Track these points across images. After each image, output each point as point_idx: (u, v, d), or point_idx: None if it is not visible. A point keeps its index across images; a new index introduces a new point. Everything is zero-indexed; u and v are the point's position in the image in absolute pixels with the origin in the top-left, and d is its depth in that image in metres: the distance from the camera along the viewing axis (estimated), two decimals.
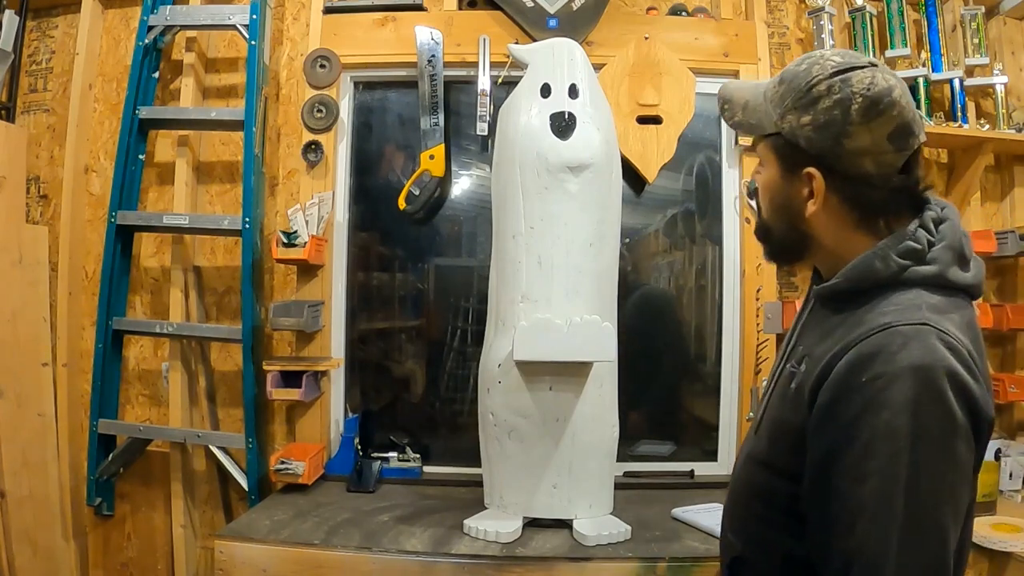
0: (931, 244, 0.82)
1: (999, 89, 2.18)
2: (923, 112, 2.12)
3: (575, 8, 2.06)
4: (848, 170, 0.84)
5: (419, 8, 2.14)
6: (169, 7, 2.13)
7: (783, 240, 0.93)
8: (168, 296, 2.17)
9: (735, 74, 2.13)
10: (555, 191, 1.58)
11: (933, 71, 2.17)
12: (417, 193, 2.07)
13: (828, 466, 0.75)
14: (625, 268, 2.07)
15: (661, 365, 2.16)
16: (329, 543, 1.51)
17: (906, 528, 0.70)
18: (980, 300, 0.90)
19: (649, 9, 2.21)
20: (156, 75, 2.21)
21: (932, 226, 0.83)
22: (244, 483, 2.05)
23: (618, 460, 1.69)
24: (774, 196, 0.92)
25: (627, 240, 2.07)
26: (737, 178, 2.12)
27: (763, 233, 0.97)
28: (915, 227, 0.83)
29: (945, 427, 0.71)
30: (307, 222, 1.99)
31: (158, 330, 2.12)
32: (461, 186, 2.19)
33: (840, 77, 0.83)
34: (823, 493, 0.76)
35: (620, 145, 1.81)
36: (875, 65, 0.85)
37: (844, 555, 0.72)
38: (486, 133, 2.03)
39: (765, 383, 1.09)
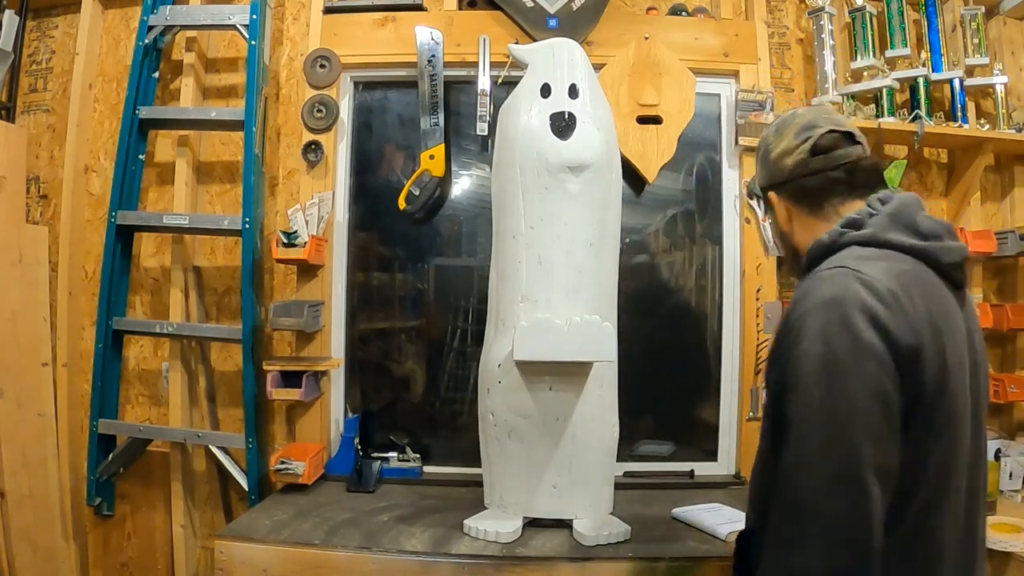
0: (871, 215, 0.95)
1: (999, 89, 2.18)
2: (923, 112, 2.12)
3: (575, 8, 2.06)
4: (780, 175, 1.04)
5: (419, 8, 2.14)
6: (169, 7, 2.13)
7: (787, 259, 1.14)
8: (168, 296, 2.17)
9: (735, 74, 2.13)
10: (555, 191, 1.58)
11: (933, 71, 2.17)
12: (417, 193, 2.07)
13: (775, 400, 0.89)
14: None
15: (662, 365, 2.16)
16: (329, 543, 1.51)
17: (821, 442, 0.79)
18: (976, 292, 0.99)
19: (649, 9, 2.21)
20: (156, 75, 2.21)
21: (878, 204, 0.96)
22: (244, 483, 2.05)
23: (618, 460, 1.69)
24: (777, 238, 1.15)
25: (627, 240, 2.07)
26: (737, 178, 2.12)
27: (785, 264, 1.17)
28: (861, 206, 0.98)
29: (853, 350, 0.80)
30: (307, 222, 1.99)
31: (158, 330, 2.12)
32: (461, 186, 2.19)
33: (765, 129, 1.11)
34: (775, 423, 0.87)
35: (620, 145, 1.81)
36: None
37: (781, 468, 0.83)
38: (486, 133, 2.03)
39: None
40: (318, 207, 2.03)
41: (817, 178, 1.01)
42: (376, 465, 1.96)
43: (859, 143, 1.01)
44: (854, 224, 0.95)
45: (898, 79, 2.12)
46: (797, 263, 1.05)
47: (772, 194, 1.07)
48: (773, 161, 1.05)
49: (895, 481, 0.80)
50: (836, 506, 0.76)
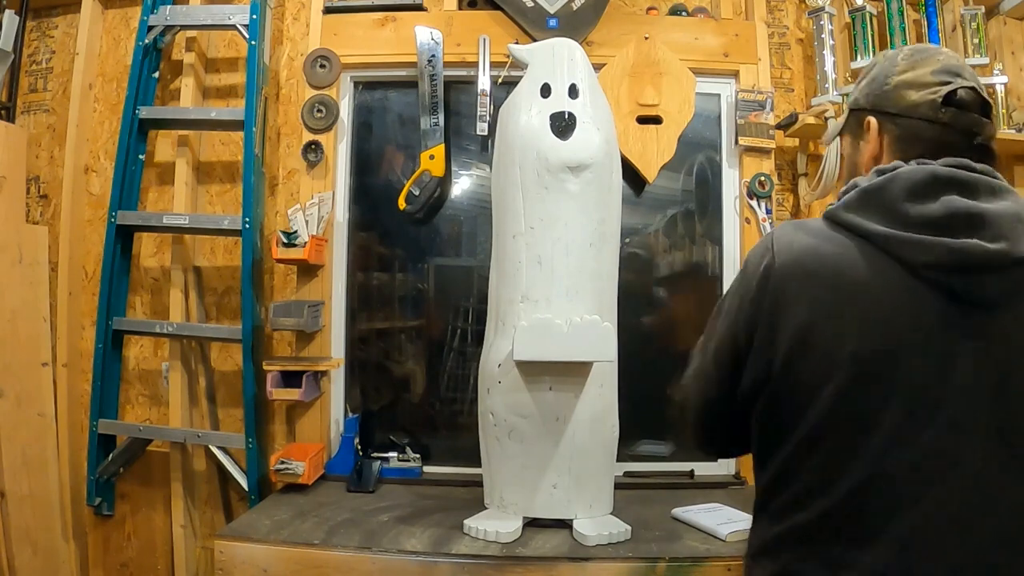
0: (856, 187, 0.86)
1: (999, 89, 2.18)
2: None
3: (575, 8, 2.06)
4: (897, 104, 0.89)
5: (419, 8, 2.14)
6: (169, 7, 2.13)
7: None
8: (168, 296, 2.17)
9: (735, 74, 2.13)
10: (555, 191, 1.58)
11: None
12: (417, 193, 2.07)
13: None
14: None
15: (662, 365, 2.15)
16: (329, 543, 1.51)
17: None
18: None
19: (649, 9, 2.21)
20: (156, 75, 2.21)
21: (872, 175, 0.86)
22: (244, 483, 2.05)
23: (618, 460, 1.69)
24: (846, 168, 1.00)
25: (627, 240, 2.07)
26: (737, 178, 2.12)
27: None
28: (874, 170, 0.87)
29: (733, 287, 0.93)
30: (307, 222, 1.99)
31: (158, 330, 2.12)
32: (461, 186, 2.19)
33: (896, 48, 0.96)
34: None
35: (620, 145, 1.81)
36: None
37: None
38: (486, 133, 2.03)
39: None
40: (318, 207, 2.03)
41: (934, 130, 0.86)
42: (376, 465, 1.96)
43: (991, 118, 0.88)
44: (840, 196, 0.88)
45: None
46: None
47: (872, 119, 0.91)
48: (894, 86, 0.89)
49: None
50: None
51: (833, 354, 0.79)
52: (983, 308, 0.77)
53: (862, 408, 0.78)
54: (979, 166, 0.84)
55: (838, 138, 1.02)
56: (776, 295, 0.84)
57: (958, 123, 0.85)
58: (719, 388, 0.93)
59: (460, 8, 2.16)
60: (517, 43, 1.91)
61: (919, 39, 2.23)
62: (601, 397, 1.61)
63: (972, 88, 0.86)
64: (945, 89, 0.85)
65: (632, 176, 2.04)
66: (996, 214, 0.79)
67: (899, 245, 0.78)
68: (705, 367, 0.94)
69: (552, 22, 2.05)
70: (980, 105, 0.86)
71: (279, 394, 1.92)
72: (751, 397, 0.88)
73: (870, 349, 0.78)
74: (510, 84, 1.80)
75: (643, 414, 2.11)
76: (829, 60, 2.12)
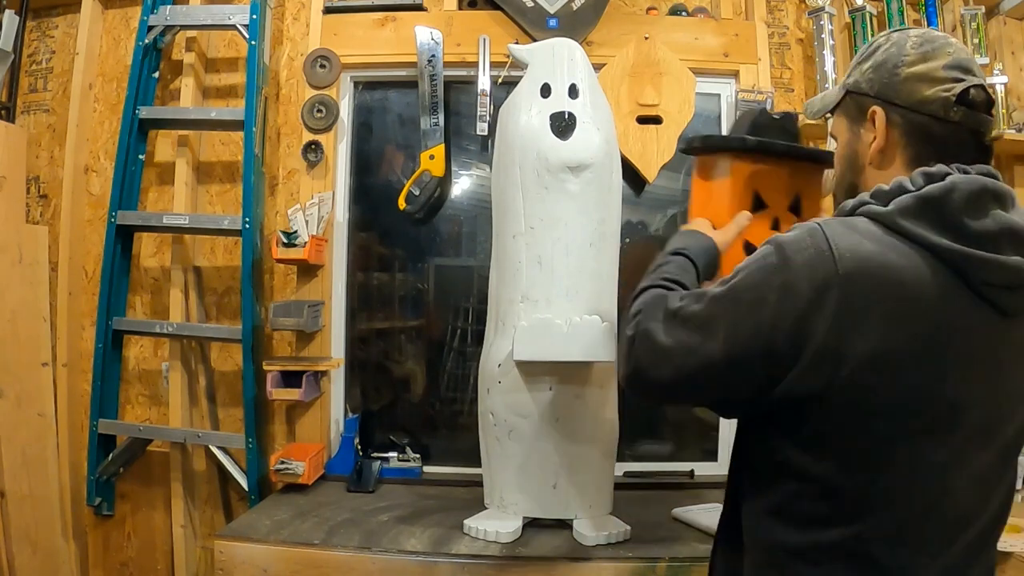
0: (903, 190, 0.79)
1: (999, 89, 2.17)
2: None
3: (575, 8, 2.06)
4: (907, 98, 0.84)
5: (419, 8, 2.14)
6: (169, 7, 2.13)
7: (840, 187, 0.94)
8: (168, 296, 2.17)
9: (735, 74, 2.13)
10: (555, 191, 1.58)
11: None
12: (417, 193, 2.07)
13: None
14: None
15: None
16: (329, 543, 1.51)
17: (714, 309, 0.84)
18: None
19: (649, 9, 2.21)
20: (156, 75, 2.21)
21: (920, 180, 0.80)
22: (244, 483, 2.05)
23: (618, 460, 1.69)
24: (844, 156, 0.94)
25: (627, 240, 2.07)
26: None
27: (836, 190, 0.97)
28: (918, 172, 0.81)
29: (765, 280, 0.79)
30: (307, 222, 1.99)
31: (158, 330, 2.12)
32: (461, 186, 2.19)
33: (900, 30, 0.90)
34: None
35: (620, 145, 1.81)
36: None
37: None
38: (486, 133, 2.03)
39: None
40: (318, 207, 2.03)
41: (944, 128, 0.83)
42: (376, 465, 1.96)
43: (993, 117, 0.86)
44: (881, 196, 0.81)
45: None
46: (848, 195, 0.89)
47: (879, 109, 0.86)
48: (904, 77, 0.85)
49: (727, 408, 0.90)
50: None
51: (917, 386, 0.75)
52: (1016, 318, 0.79)
53: (939, 442, 0.77)
54: (998, 173, 0.84)
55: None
56: (841, 311, 0.74)
57: (968, 123, 0.83)
58: (722, 380, 0.82)
59: (460, 8, 2.16)
60: (517, 43, 1.91)
61: None
62: (601, 397, 1.61)
63: (982, 86, 0.84)
64: (959, 87, 0.82)
65: (632, 176, 2.04)
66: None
67: (965, 261, 0.75)
68: (711, 354, 0.80)
69: (552, 22, 2.05)
70: (988, 104, 0.84)
71: (279, 394, 1.92)
72: (778, 402, 0.80)
73: (954, 381, 0.76)
74: (510, 84, 1.80)
75: (643, 414, 2.12)
76: (829, 60, 2.12)
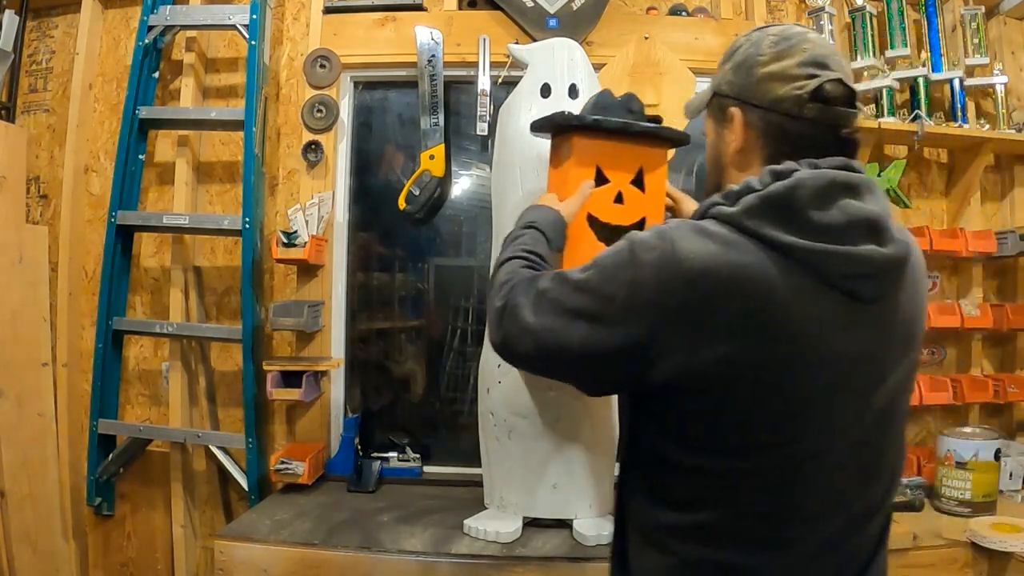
0: (750, 190, 0.80)
1: (999, 89, 2.18)
2: (923, 112, 2.12)
3: (575, 8, 2.06)
4: (760, 97, 0.85)
5: (419, 8, 2.14)
6: (169, 7, 2.13)
7: (708, 186, 0.96)
8: (168, 296, 2.17)
9: None
10: None
11: (933, 71, 2.17)
12: (417, 193, 2.07)
13: None
14: None
15: None
16: (329, 543, 1.51)
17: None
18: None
19: (649, 9, 2.21)
20: (156, 75, 2.21)
21: (768, 178, 0.80)
22: (244, 483, 2.05)
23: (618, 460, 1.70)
24: (710, 157, 0.95)
25: None
26: None
27: (706, 189, 0.98)
28: (766, 171, 0.81)
29: (616, 276, 0.82)
30: (307, 222, 1.99)
31: (158, 330, 2.12)
32: (461, 186, 2.19)
33: (761, 28, 0.91)
34: None
35: None
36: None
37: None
38: (486, 133, 2.03)
39: None
40: (318, 207, 2.03)
41: (799, 125, 0.84)
42: (376, 465, 1.96)
43: (858, 109, 0.87)
44: (730, 196, 0.82)
45: (898, 79, 2.12)
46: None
47: (736, 111, 0.88)
48: (759, 78, 0.86)
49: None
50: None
51: (771, 381, 0.77)
52: (874, 304, 0.80)
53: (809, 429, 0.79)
54: (856, 164, 0.84)
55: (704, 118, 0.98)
56: (687, 312, 0.76)
57: (824, 118, 0.83)
58: (577, 366, 0.87)
59: (460, 8, 2.16)
60: (517, 43, 1.91)
61: (919, 39, 2.23)
62: (601, 397, 1.61)
63: (838, 80, 0.83)
64: (812, 84, 0.82)
65: None
66: (883, 216, 0.81)
67: (812, 256, 0.76)
68: (567, 342, 0.84)
69: (552, 22, 2.05)
70: (847, 97, 0.84)
71: (279, 394, 1.92)
72: (644, 393, 0.85)
73: (811, 372, 0.78)
74: (510, 84, 1.80)
75: None
76: None
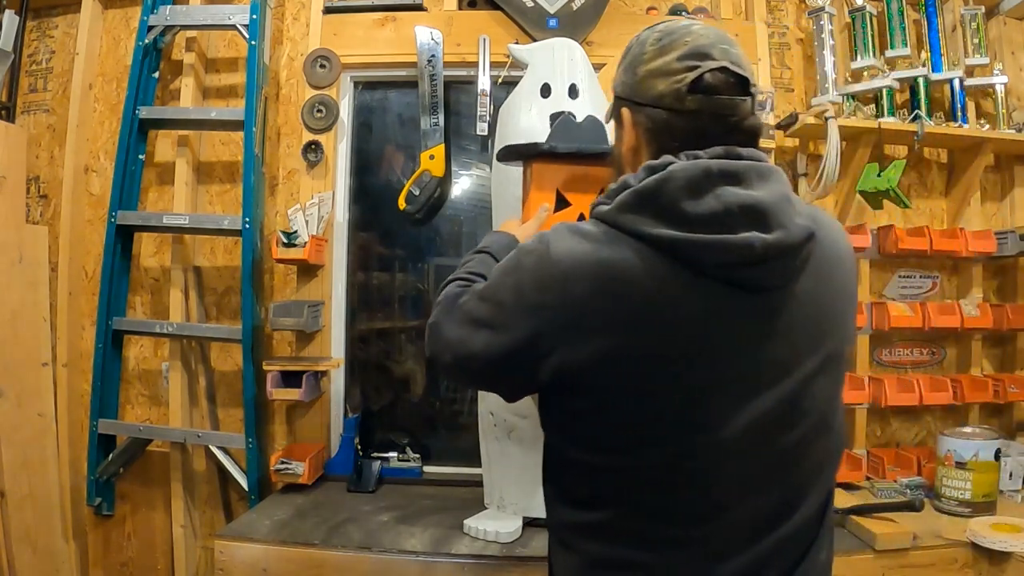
0: (627, 187, 0.80)
1: (999, 89, 2.18)
2: (923, 112, 2.12)
3: (575, 8, 2.06)
4: (645, 95, 0.85)
5: (419, 8, 2.14)
6: (169, 7, 2.13)
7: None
8: (168, 296, 2.17)
9: None
10: None
11: (933, 71, 2.17)
12: (417, 193, 2.07)
13: None
14: None
15: None
16: (329, 543, 1.51)
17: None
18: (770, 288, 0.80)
19: (649, 9, 2.21)
20: (156, 75, 2.21)
21: (643, 173, 0.80)
22: (244, 483, 2.05)
23: None
24: (613, 159, 0.96)
25: None
26: None
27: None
28: (643, 167, 0.81)
29: (509, 282, 0.85)
30: (307, 222, 1.99)
31: (158, 330, 2.12)
32: (461, 186, 2.19)
33: (650, 27, 0.90)
34: None
35: None
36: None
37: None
38: (486, 133, 2.03)
39: None
40: (318, 207, 2.03)
41: (682, 119, 0.83)
42: (376, 465, 1.96)
43: (751, 94, 0.84)
44: (610, 194, 0.82)
45: (898, 79, 2.12)
46: None
47: (626, 111, 0.89)
48: (642, 76, 0.85)
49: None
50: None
51: (653, 376, 0.78)
52: (767, 293, 0.79)
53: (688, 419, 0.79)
54: (745, 151, 0.82)
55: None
56: (561, 312, 0.78)
57: (707, 109, 0.82)
58: (485, 372, 0.90)
59: (460, 8, 2.16)
60: (517, 43, 1.91)
61: (919, 39, 2.23)
62: None
63: (722, 68, 0.82)
64: (691, 76, 0.81)
65: None
66: (769, 202, 0.78)
67: (684, 247, 0.76)
68: (473, 349, 0.87)
69: (552, 22, 2.05)
70: (732, 85, 0.82)
71: (279, 394, 1.92)
72: (543, 394, 0.88)
73: (696, 365, 0.78)
74: (510, 84, 1.80)
75: None
76: (829, 60, 2.12)
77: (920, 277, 2.23)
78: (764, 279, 0.78)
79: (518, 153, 1.39)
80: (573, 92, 1.63)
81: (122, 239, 2.13)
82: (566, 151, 1.32)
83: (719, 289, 0.77)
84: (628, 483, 0.81)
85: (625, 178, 0.82)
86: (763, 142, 2.05)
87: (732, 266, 0.76)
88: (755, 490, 0.81)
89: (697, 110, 0.82)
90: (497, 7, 2.09)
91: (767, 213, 0.77)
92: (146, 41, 2.12)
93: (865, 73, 2.16)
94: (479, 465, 1.71)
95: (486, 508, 1.66)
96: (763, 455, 0.81)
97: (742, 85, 0.83)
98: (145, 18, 2.11)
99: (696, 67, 0.82)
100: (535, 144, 1.35)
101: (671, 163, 0.79)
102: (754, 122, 0.85)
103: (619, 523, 0.82)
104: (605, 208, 0.82)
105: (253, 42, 2.07)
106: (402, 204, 2.06)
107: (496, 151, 1.45)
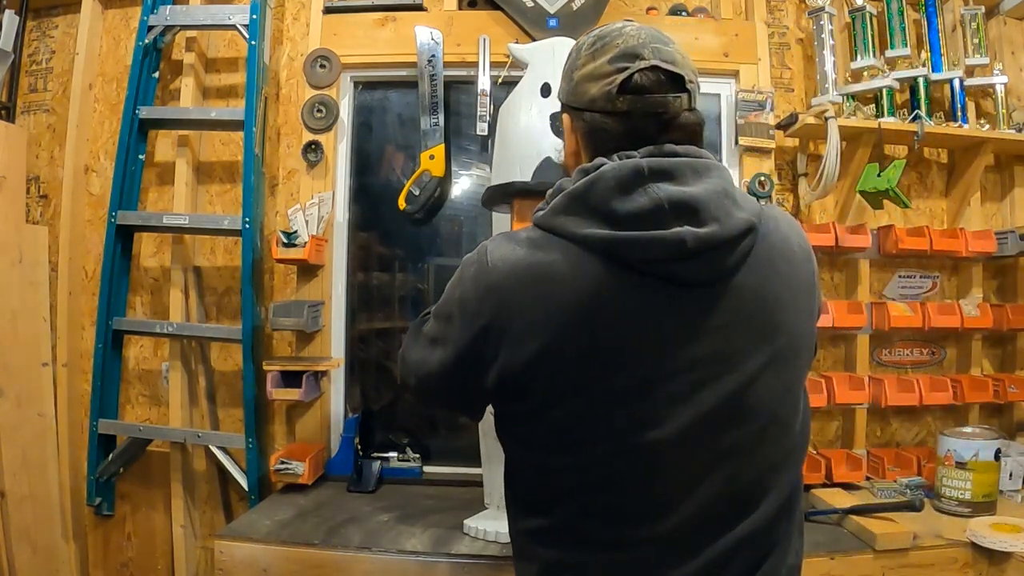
0: (561, 191, 0.83)
1: (999, 89, 2.18)
2: (923, 112, 2.12)
3: (575, 8, 2.06)
4: (580, 100, 0.86)
5: (419, 8, 2.14)
6: (169, 7, 2.13)
7: None
8: (168, 296, 2.17)
9: (735, 74, 2.13)
10: None
11: (933, 71, 2.17)
12: (417, 193, 2.07)
13: None
14: None
15: None
16: (329, 543, 1.51)
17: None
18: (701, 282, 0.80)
19: (649, 9, 2.21)
20: (156, 75, 2.21)
21: (579, 176, 0.82)
22: (244, 483, 2.05)
23: None
24: (561, 167, 1.01)
25: None
26: (737, 178, 2.11)
27: None
28: (577, 170, 0.83)
29: (456, 296, 0.87)
30: (307, 222, 1.99)
31: (158, 330, 2.12)
32: (461, 186, 2.19)
33: (587, 32, 0.91)
34: None
35: None
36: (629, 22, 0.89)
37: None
38: (486, 133, 2.03)
39: None
40: (318, 207, 2.03)
41: (615, 121, 0.83)
42: (376, 465, 1.96)
43: (687, 90, 0.84)
44: (548, 199, 0.84)
45: (898, 79, 2.12)
46: None
47: (566, 116, 0.91)
48: (576, 81, 0.87)
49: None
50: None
51: (591, 375, 0.78)
52: (702, 288, 0.79)
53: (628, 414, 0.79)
54: (681, 148, 0.82)
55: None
56: (499, 316, 0.80)
57: (638, 109, 0.82)
58: (443, 388, 0.92)
59: (460, 8, 2.16)
60: (517, 43, 1.91)
61: (919, 39, 2.23)
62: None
63: (652, 67, 0.82)
64: (620, 77, 0.82)
65: None
66: (702, 197, 0.78)
67: (614, 245, 0.77)
68: (431, 368, 0.90)
69: (552, 22, 2.05)
70: (663, 83, 0.82)
71: (279, 394, 1.92)
72: (495, 403, 0.88)
73: (632, 363, 0.78)
74: (510, 84, 1.80)
75: None
76: (829, 60, 2.12)
77: (920, 277, 2.23)
78: (697, 273, 0.78)
79: (502, 193, 1.51)
80: None
81: (122, 239, 2.13)
82: (536, 187, 1.43)
83: (652, 285, 0.77)
84: (574, 484, 0.82)
85: (561, 182, 0.84)
86: (763, 142, 2.07)
87: (663, 261, 0.77)
88: (700, 488, 0.80)
89: (628, 111, 0.82)
90: (497, 7, 2.09)
91: (699, 208, 0.77)
92: (146, 41, 2.12)
93: (865, 73, 2.16)
94: (479, 465, 1.71)
95: (486, 508, 1.66)
96: (706, 452, 0.80)
97: (675, 82, 0.83)
98: (145, 18, 2.11)
99: (626, 68, 0.82)
100: (511, 183, 1.48)
101: (603, 164, 0.81)
102: (691, 118, 0.85)
103: (569, 526, 0.83)
104: (540, 213, 0.84)
105: (253, 42, 2.07)
106: (402, 204, 2.06)
107: (481, 196, 1.57)
